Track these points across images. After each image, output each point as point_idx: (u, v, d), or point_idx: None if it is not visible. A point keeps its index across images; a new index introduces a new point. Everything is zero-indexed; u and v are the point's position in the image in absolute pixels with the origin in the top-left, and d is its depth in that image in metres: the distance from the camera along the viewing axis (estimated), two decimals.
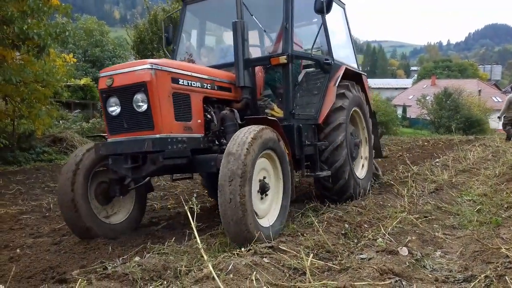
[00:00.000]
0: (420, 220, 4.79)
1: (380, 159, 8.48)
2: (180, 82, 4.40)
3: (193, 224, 2.91)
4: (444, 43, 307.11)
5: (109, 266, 3.56)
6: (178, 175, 6.14)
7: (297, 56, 5.47)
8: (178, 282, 2.99)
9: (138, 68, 4.12)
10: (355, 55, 7.45)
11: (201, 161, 4.50)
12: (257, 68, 5.53)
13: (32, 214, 6.39)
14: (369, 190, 6.52)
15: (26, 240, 4.86)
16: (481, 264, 3.41)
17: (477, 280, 2.96)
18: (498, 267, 3.11)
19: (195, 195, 3.96)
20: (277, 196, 4.50)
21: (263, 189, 4.25)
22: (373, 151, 7.24)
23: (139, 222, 5.16)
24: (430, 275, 3.26)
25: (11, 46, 9.71)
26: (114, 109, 4.25)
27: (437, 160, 10.60)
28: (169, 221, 5.58)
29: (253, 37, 6.30)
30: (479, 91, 52.61)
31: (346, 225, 4.57)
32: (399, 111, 47.44)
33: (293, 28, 5.43)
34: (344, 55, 7.03)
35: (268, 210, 4.37)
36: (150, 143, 4.02)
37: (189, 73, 4.54)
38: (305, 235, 4.13)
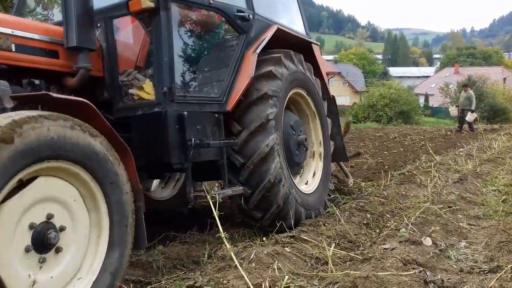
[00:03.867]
0: (444, 210, 4.72)
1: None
2: None
3: (215, 213, 2.93)
4: (468, 30, 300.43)
5: (133, 254, 3.61)
6: None
7: None
8: (201, 271, 3.02)
9: None
10: (302, 18, 5.52)
11: None
12: (134, 27, 3.85)
13: None
14: (325, 207, 4.87)
15: None
16: (507, 254, 3.35)
17: (503, 271, 2.90)
18: None
19: (217, 184, 3.89)
20: (93, 251, 2.48)
21: (45, 243, 2.21)
22: (333, 151, 5.38)
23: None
24: (454, 266, 3.22)
25: None
26: None
27: (461, 149, 10.41)
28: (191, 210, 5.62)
29: None
30: (504, 79, 51.32)
31: (368, 215, 4.54)
32: (421, 100, 46.69)
33: None
34: (283, 15, 5.20)
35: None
36: None
37: None
38: (326, 225, 4.12)
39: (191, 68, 3.94)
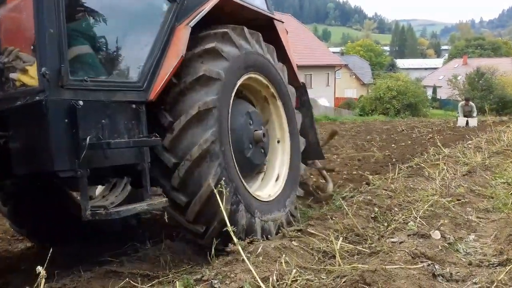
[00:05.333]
0: (452, 203, 4.69)
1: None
2: None
3: (222, 207, 2.92)
4: (477, 20, 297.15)
5: (141, 249, 3.62)
6: None
7: None
8: (208, 265, 3.02)
9: None
10: None
11: None
12: None
13: None
14: (293, 217, 4.15)
15: None
16: None
17: None
18: None
19: (224, 178, 3.76)
20: None
21: None
22: (305, 149, 4.64)
23: None
24: (463, 259, 3.20)
25: None
26: None
27: (470, 142, 10.32)
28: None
29: None
30: None
31: (376, 209, 4.52)
32: (429, 92, 46.36)
33: None
34: None
35: None
36: None
37: None
38: (333, 218, 4.11)
39: (95, 44, 3.08)
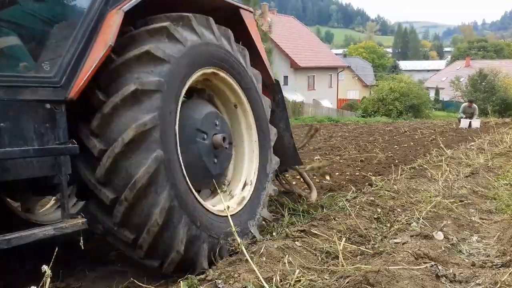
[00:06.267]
0: (455, 204, 4.69)
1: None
2: None
3: (225, 206, 2.93)
4: (479, 22, 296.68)
5: None
6: None
7: None
8: (212, 265, 3.03)
9: None
10: None
11: None
12: None
13: None
14: (263, 227, 3.79)
15: None
16: None
17: None
18: None
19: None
20: None
21: None
22: (280, 156, 4.12)
23: None
24: (466, 260, 3.21)
25: None
26: None
27: (472, 143, 10.31)
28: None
29: None
30: None
31: (379, 210, 4.52)
32: (432, 94, 46.32)
33: None
34: None
35: None
36: None
37: None
38: (336, 219, 4.11)
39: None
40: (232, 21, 3.75)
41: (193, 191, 3.00)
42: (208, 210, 3.11)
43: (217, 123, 3.39)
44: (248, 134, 3.76)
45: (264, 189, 3.72)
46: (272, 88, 4.35)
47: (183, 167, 2.94)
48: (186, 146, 3.09)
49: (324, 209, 4.54)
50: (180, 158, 2.93)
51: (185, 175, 2.94)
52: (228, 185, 3.68)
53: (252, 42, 3.95)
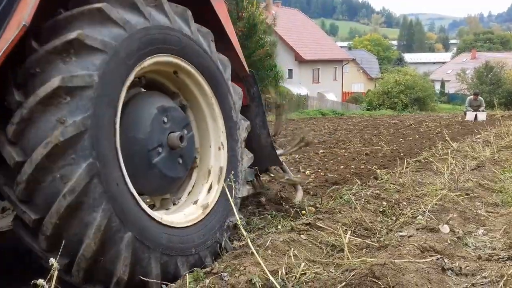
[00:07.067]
0: (461, 197, 4.68)
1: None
2: None
3: (231, 200, 2.93)
4: (485, 14, 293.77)
5: None
6: None
7: None
8: (218, 258, 3.04)
9: None
10: None
11: None
12: None
13: None
14: (230, 237, 3.28)
15: None
16: None
17: None
18: None
19: (232, 172, 3.42)
20: None
21: None
22: (257, 153, 3.81)
23: None
24: (472, 253, 3.20)
25: None
26: None
27: (478, 136, 10.26)
28: None
29: None
30: None
31: (384, 203, 4.51)
32: (437, 87, 46.06)
33: None
34: None
35: None
36: None
37: None
38: (342, 212, 4.10)
39: None
40: (197, 2, 3.26)
41: (141, 203, 2.57)
42: (162, 223, 2.67)
43: (165, 120, 2.86)
44: (215, 129, 3.29)
45: (235, 190, 3.10)
46: (247, 80, 3.93)
47: (125, 176, 2.47)
48: (131, 150, 2.67)
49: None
50: (122, 166, 2.45)
51: (129, 185, 2.49)
52: (192, 189, 3.25)
53: (221, 28, 3.46)
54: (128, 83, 2.58)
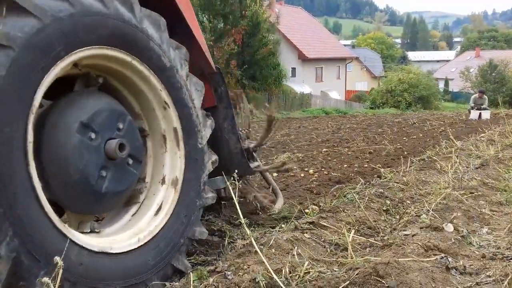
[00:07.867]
0: (465, 196, 4.66)
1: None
2: None
3: (235, 199, 2.93)
4: (490, 12, 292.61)
5: None
6: None
7: None
8: (221, 256, 3.05)
9: None
10: None
11: None
12: None
13: None
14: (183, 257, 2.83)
15: None
16: None
17: None
18: None
19: (236, 170, 3.31)
20: None
21: None
22: (225, 160, 3.40)
23: None
24: (477, 252, 3.19)
25: None
26: None
27: (482, 135, 10.23)
28: None
29: None
30: None
31: (388, 202, 4.51)
32: (441, 85, 45.95)
33: None
34: None
35: None
36: None
37: None
38: (345, 211, 4.10)
39: None
40: None
41: (60, 227, 2.10)
42: (94, 251, 2.26)
43: (92, 136, 2.32)
44: (168, 130, 2.82)
45: (191, 207, 2.81)
46: (213, 78, 3.44)
47: (38, 193, 2.02)
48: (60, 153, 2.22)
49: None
50: (34, 183, 1.99)
51: (44, 206, 2.04)
52: (139, 206, 2.79)
53: (181, 19, 2.97)
54: (46, 85, 2.09)
